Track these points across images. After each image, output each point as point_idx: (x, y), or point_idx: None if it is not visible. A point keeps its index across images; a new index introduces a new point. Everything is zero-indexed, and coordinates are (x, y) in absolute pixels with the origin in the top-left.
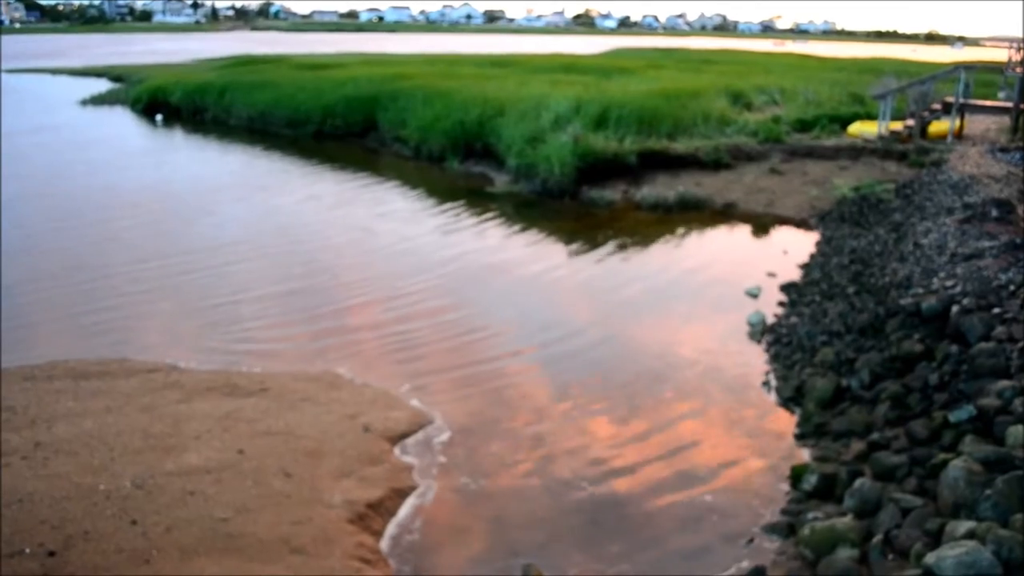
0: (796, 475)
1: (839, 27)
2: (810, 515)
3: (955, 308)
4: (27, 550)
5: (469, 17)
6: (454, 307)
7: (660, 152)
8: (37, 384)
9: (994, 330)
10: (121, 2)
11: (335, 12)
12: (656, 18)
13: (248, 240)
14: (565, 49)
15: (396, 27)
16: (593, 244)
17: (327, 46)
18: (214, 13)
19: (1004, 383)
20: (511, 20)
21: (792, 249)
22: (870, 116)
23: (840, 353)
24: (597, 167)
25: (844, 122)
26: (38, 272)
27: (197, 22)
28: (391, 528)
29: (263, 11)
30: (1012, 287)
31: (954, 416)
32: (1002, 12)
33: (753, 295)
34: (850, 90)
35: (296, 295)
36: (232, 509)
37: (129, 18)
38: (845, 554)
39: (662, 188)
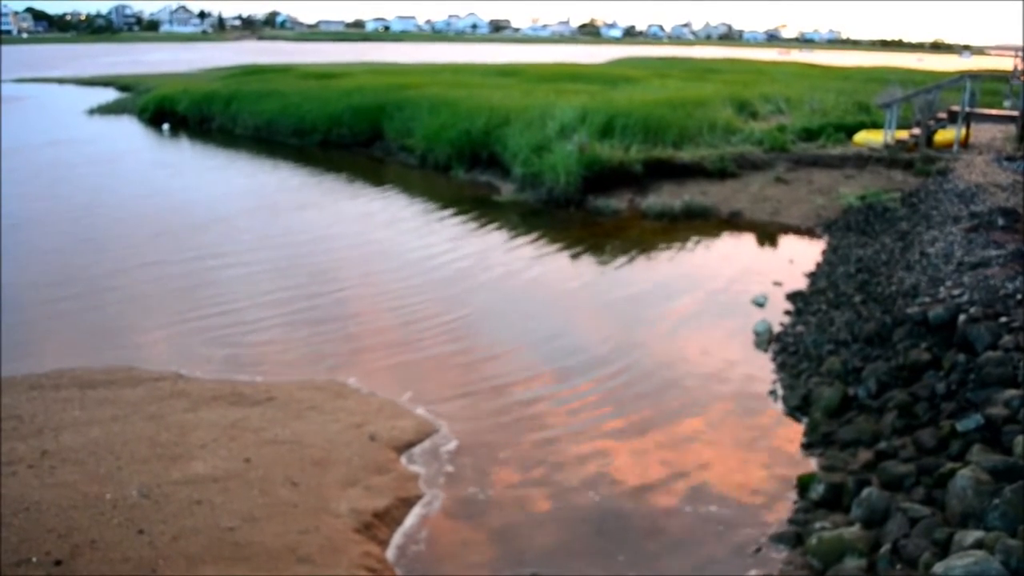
0: (803, 484)
1: (844, 36)
2: (818, 525)
3: (962, 317)
4: (34, 559)
5: (475, 27)
6: (460, 316)
7: (666, 161)
8: (44, 393)
9: (1001, 339)
10: (128, 12)
11: (341, 22)
12: (661, 27)
13: (253, 250)
14: (570, 58)
15: (402, 36)
16: (599, 253)
17: (333, 56)
18: (220, 23)
19: (1012, 392)
20: (517, 30)
21: (798, 258)
22: (876, 125)
23: (847, 362)
24: (603, 176)
25: (850, 131)
26: (47, 282)
27: (204, 32)
28: (397, 537)
29: (269, 21)
30: (1019, 296)
31: (962, 425)
32: (1008, 21)
33: (759, 304)
34: (856, 99)
35: (302, 304)
36: (239, 518)
37: (136, 28)
38: (853, 564)
39: (668, 197)
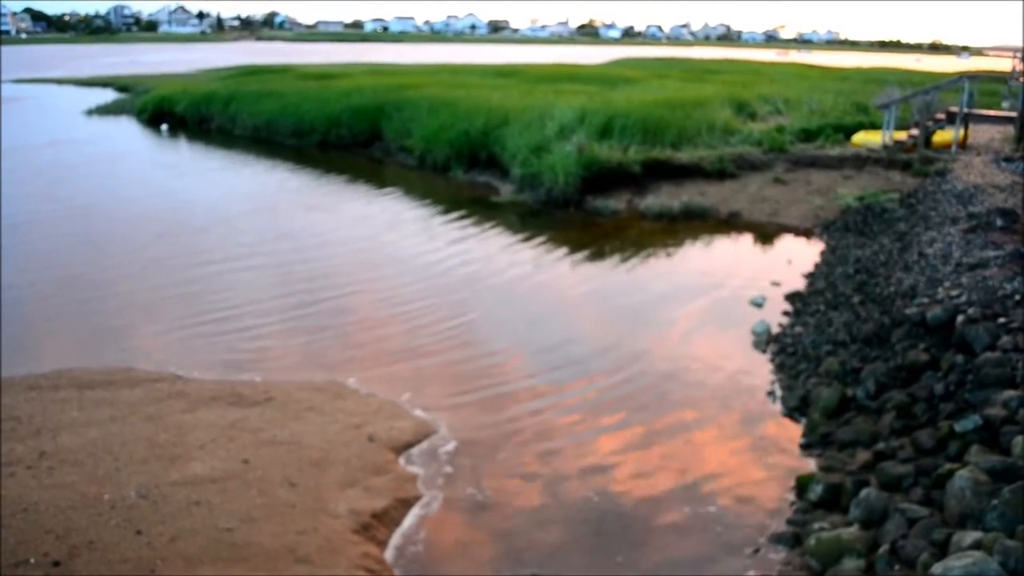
0: (802, 485)
1: (843, 37)
2: (816, 525)
3: (960, 318)
4: (32, 560)
5: (473, 27)
6: (459, 317)
7: (664, 161)
8: (42, 393)
9: (1000, 340)
10: (127, 12)
11: (340, 22)
12: (660, 28)
13: (253, 252)
14: (569, 59)
15: (401, 37)
16: (598, 253)
17: (332, 56)
18: (219, 23)
19: (1010, 393)
20: (515, 30)
21: (796, 258)
22: (874, 126)
23: (845, 363)
24: (601, 176)
25: (848, 132)
26: (46, 283)
27: (202, 32)
28: (396, 538)
29: (268, 21)
30: (1017, 297)
31: (960, 426)
32: (1006, 22)
33: (758, 304)
34: (854, 100)
35: (301, 305)
36: (237, 519)
37: (135, 28)
38: (851, 564)
39: (666, 197)
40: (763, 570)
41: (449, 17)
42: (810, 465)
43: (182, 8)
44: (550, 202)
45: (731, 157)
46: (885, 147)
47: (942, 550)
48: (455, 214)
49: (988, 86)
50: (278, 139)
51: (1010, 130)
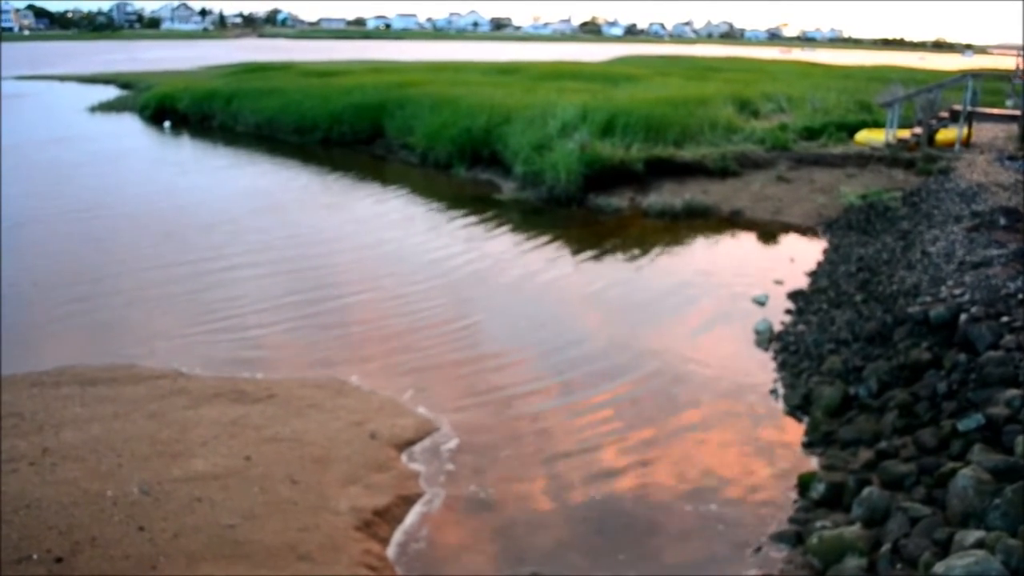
0: (804, 483)
1: (846, 35)
2: (818, 524)
3: (963, 316)
4: (34, 556)
5: (476, 24)
6: (460, 315)
7: (667, 160)
8: (45, 390)
9: (1003, 339)
10: (130, 9)
11: (342, 19)
12: (663, 25)
13: (255, 248)
14: (572, 56)
15: (403, 34)
16: (600, 251)
17: (334, 53)
18: (222, 20)
19: (1013, 392)
20: (518, 27)
21: (799, 257)
22: (877, 124)
23: (848, 361)
24: (604, 174)
25: (851, 130)
26: (50, 281)
27: (205, 29)
28: (398, 535)
29: (270, 18)
30: (1021, 295)
31: (962, 425)
32: (1010, 20)
33: (760, 303)
34: (857, 98)
35: (303, 302)
36: (239, 516)
37: (137, 25)
38: (853, 563)
39: (669, 195)
40: (765, 569)
41: (451, 14)
42: (812, 464)
43: (184, 5)
44: (552, 200)
45: (734, 155)
46: (888, 145)
47: (944, 549)
48: (457, 212)
49: (992, 84)
50: (280, 136)
51: (1014, 128)
